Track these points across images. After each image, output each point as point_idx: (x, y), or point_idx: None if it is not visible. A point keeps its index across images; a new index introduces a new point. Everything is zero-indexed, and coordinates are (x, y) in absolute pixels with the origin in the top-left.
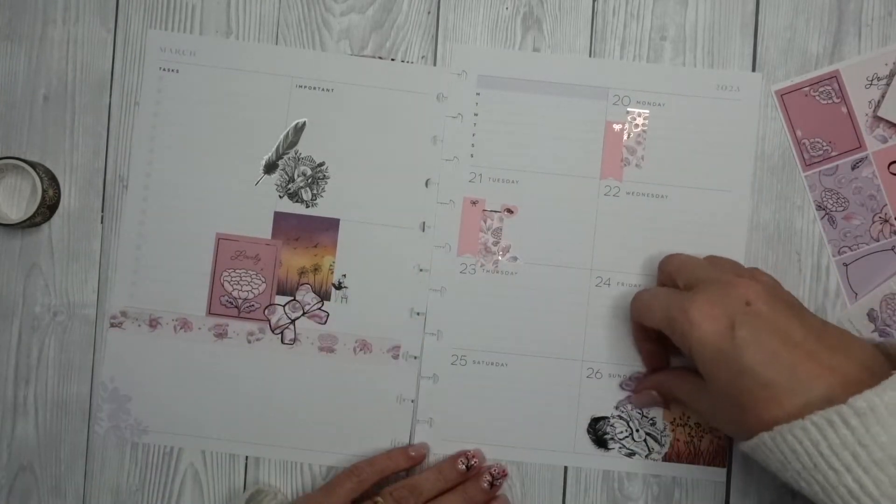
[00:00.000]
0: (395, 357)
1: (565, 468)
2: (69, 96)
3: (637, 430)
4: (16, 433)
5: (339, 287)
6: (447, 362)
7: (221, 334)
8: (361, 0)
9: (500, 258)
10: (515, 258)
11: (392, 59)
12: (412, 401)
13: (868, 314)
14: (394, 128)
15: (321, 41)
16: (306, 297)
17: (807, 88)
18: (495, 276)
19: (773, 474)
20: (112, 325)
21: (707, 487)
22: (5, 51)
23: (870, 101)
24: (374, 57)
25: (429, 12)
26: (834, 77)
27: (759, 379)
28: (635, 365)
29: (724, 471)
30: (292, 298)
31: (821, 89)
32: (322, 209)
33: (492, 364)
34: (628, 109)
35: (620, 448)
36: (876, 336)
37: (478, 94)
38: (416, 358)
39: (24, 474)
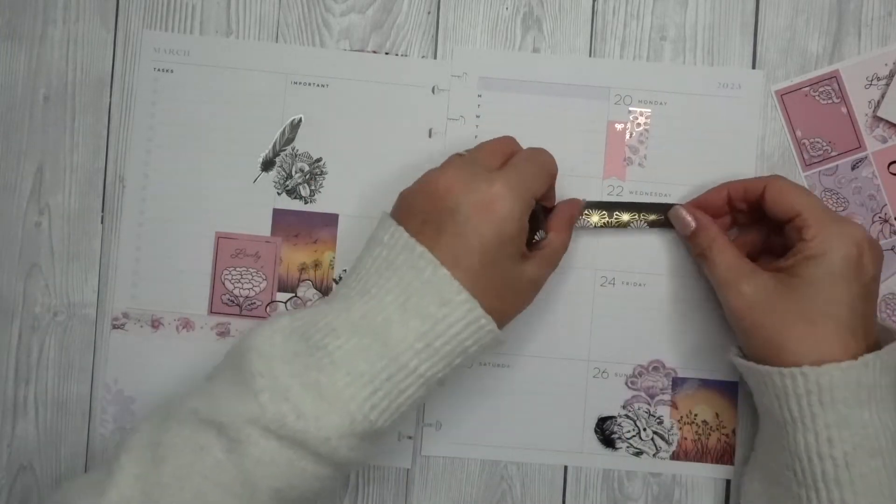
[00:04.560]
0: None
1: (565, 468)
2: (69, 96)
3: (644, 430)
4: (16, 433)
5: (339, 282)
6: None
7: (224, 333)
8: (361, 0)
9: None
10: None
11: (386, 53)
12: None
13: None
14: (390, 121)
15: (321, 41)
16: (307, 293)
17: (807, 88)
18: None
19: (773, 475)
20: (114, 327)
21: (707, 487)
22: (5, 51)
23: (869, 101)
24: (367, 51)
25: (429, 12)
26: (834, 77)
27: (840, 316)
28: (641, 363)
29: (731, 468)
30: (294, 295)
31: (821, 89)
32: (321, 205)
33: (498, 365)
34: (630, 109)
35: (628, 447)
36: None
37: (479, 95)
38: None
39: (24, 474)
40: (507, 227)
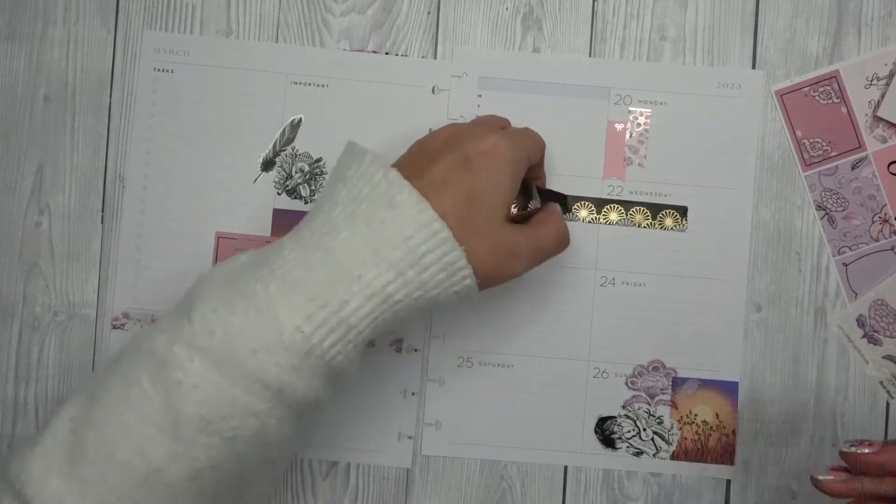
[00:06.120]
0: (398, 350)
1: (565, 468)
2: (69, 96)
3: (644, 430)
4: (16, 433)
5: None
6: (453, 364)
7: None
8: (361, 0)
9: None
10: None
11: (386, 53)
12: (413, 393)
13: (857, 320)
14: (389, 121)
15: (321, 41)
16: None
17: (807, 88)
18: None
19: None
20: (114, 327)
21: (707, 487)
22: (6, 51)
23: (869, 101)
24: (367, 51)
25: (429, 12)
26: (834, 77)
27: None
28: (641, 363)
29: (731, 468)
30: None
31: (821, 89)
32: None
33: (498, 365)
34: (630, 109)
35: (628, 447)
36: (865, 342)
37: (479, 95)
38: (417, 351)
39: None
40: (503, 170)
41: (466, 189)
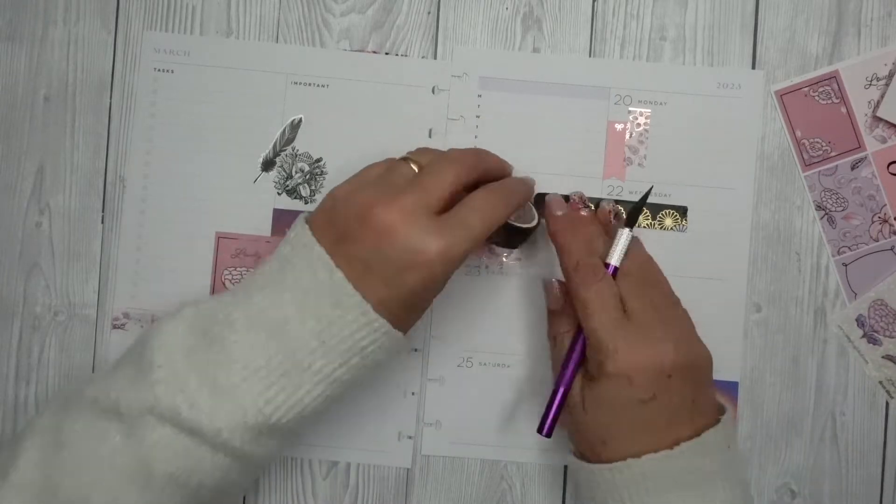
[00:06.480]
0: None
1: (565, 468)
2: (70, 96)
3: None
4: (16, 433)
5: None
6: (453, 364)
7: None
8: (361, 0)
9: (504, 259)
10: (520, 259)
11: (386, 53)
12: (413, 393)
13: (857, 320)
14: (390, 121)
15: (321, 41)
16: None
17: (806, 89)
18: (500, 277)
19: (773, 475)
20: (114, 327)
21: None
22: (6, 51)
23: (869, 102)
24: (367, 51)
25: (429, 12)
26: (833, 77)
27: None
28: None
29: None
30: None
31: (820, 89)
32: None
33: (498, 365)
34: (630, 109)
35: None
36: (864, 342)
37: (479, 95)
38: (417, 350)
39: None
40: (439, 282)
41: (404, 297)
